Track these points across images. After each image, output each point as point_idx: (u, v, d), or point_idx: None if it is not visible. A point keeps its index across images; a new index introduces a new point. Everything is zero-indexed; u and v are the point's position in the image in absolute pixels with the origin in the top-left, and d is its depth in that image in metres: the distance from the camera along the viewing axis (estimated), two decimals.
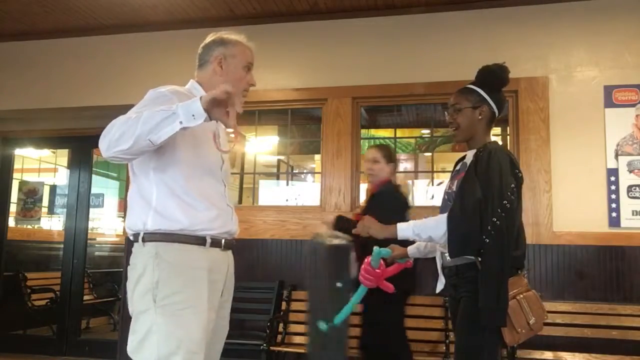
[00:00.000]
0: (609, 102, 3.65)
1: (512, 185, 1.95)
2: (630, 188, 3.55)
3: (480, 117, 2.11)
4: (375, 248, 2.08)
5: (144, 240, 1.69)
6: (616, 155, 3.60)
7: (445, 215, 1.99)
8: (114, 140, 1.52)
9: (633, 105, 3.62)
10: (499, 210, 1.90)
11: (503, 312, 1.85)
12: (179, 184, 1.70)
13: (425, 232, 2.02)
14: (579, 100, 3.69)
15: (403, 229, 2.05)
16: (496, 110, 2.14)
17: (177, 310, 1.63)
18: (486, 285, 1.88)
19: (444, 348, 3.46)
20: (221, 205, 1.79)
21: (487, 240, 1.87)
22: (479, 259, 1.91)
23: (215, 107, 1.47)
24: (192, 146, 1.73)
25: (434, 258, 2.25)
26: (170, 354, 1.60)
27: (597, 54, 3.72)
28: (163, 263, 1.65)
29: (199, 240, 1.71)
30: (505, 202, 1.91)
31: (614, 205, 3.55)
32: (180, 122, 1.47)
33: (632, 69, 3.65)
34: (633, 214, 3.52)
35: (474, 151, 2.09)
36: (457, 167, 2.21)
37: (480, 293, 1.88)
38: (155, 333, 1.61)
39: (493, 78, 2.14)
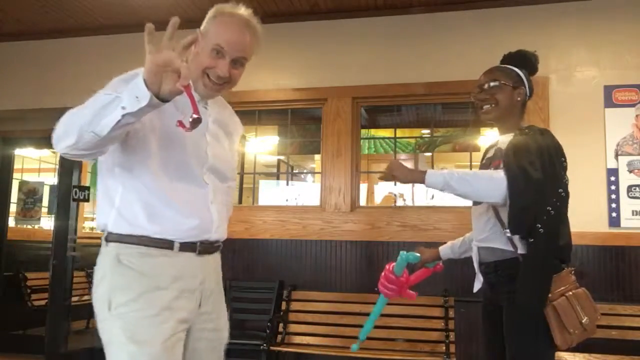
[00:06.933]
0: (609, 102, 3.65)
1: (564, 173, 1.77)
2: (630, 188, 3.56)
3: (518, 99, 1.96)
4: (402, 253, 1.84)
5: (107, 240, 1.52)
6: (616, 155, 3.60)
7: (502, 174, 1.70)
8: (60, 134, 1.30)
9: (633, 105, 3.62)
10: (554, 199, 1.72)
11: (543, 301, 1.69)
12: (146, 186, 1.48)
13: (463, 184, 1.71)
14: (579, 100, 3.69)
15: (432, 174, 1.73)
16: (528, 97, 2.02)
17: (133, 320, 1.43)
18: (528, 278, 1.70)
19: (444, 348, 3.45)
20: (199, 210, 1.55)
21: (541, 230, 1.68)
22: (520, 252, 1.74)
23: (160, 78, 1.23)
24: (166, 141, 1.49)
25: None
26: None
27: (597, 54, 3.72)
28: (121, 268, 1.47)
29: (165, 244, 1.49)
30: (560, 190, 1.74)
31: (614, 205, 3.55)
32: (123, 108, 1.20)
33: (632, 69, 3.65)
34: (633, 214, 3.52)
35: (509, 135, 1.89)
36: (490, 154, 2.01)
37: (521, 284, 1.69)
38: (111, 344, 1.45)
39: (531, 63, 2.05)
